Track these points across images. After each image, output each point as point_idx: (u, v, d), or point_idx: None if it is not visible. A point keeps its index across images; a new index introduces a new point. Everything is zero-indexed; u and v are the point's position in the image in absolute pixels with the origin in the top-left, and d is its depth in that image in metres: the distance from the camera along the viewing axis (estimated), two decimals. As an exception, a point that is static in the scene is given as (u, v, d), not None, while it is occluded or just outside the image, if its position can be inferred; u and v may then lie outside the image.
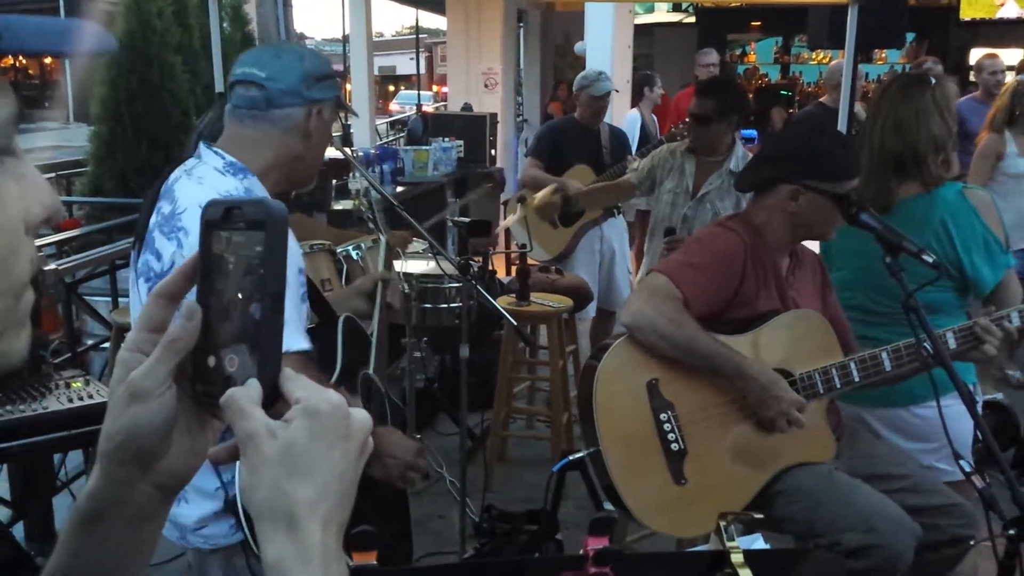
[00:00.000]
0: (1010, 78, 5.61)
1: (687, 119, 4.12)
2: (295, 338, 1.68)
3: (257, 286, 0.69)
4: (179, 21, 6.61)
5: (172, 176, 1.87)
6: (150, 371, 0.70)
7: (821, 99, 6.39)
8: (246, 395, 0.67)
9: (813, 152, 2.41)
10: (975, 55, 13.16)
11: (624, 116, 7.36)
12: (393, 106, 26.39)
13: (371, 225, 2.67)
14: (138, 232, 1.86)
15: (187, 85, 6.46)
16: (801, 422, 2.24)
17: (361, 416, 0.71)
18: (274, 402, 0.69)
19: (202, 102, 6.32)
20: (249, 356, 0.69)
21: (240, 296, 0.69)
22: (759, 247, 2.38)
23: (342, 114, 2.17)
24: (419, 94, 16.55)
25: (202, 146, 1.87)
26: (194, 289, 0.73)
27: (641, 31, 11.72)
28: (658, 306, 2.25)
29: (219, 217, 0.70)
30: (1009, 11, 12.58)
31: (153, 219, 1.81)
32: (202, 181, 1.80)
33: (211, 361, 0.71)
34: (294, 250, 1.78)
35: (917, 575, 2.18)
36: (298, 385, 0.69)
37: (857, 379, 2.32)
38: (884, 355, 2.31)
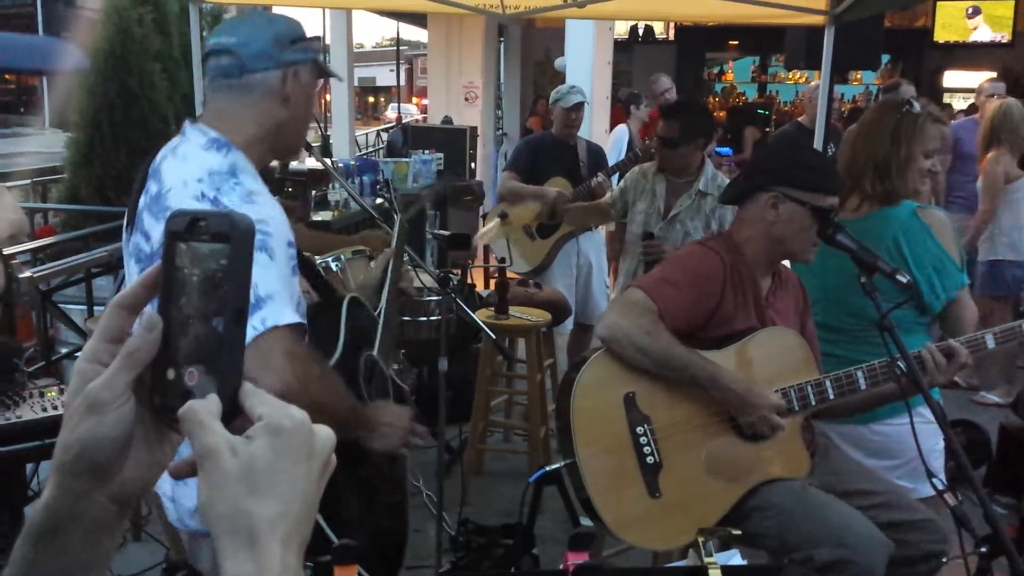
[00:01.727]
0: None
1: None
2: (284, 311, 1.63)
3: (220, 300, 0.67)
4: (159, 29, 6.56)
5: (159, 155, 1.84)
6: (108, 382, 0.69)
7: (799, 119, 6.45)
8: (205, 408, 0.66)
9: (795, 163, 2.44)
10: (948, 77, 13.42)
11: (615, 130, 7.44)
12: (390, 113, 26.73)
13: (388, 205, 2.71)
14: (129, 213, 1.84)
15: (166, 93, 6.42)
16: (781, 426, 2.25)
17: (325, 434, 0.69)
18: (234, 417, 0.67)
19: (181, 111, 6.28)
20: (209, 370, 0.67)
21: (202, 309, 0.68)
22: (739, 266, 2.39)
23: (320, 124, 2.16)
24: (399, 106, 16.57)
25: (186, 124, 1.85)
26: (155, 300, 0.71)
27: (621, 47, 11.80)
28: (633, 318, 2.26)
29: (183, 228, 0.69)
30: (982, 34, 12.80)
31: (142, 200, 1.79)
32: (186, 159, 1.77)
33: (170, 374, 0.69)
34: (283, 221, 1.73)
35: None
36: (260, 401, 0.68)
37: (832, 396, 2.33)
38: (859, 374, 2.32)
